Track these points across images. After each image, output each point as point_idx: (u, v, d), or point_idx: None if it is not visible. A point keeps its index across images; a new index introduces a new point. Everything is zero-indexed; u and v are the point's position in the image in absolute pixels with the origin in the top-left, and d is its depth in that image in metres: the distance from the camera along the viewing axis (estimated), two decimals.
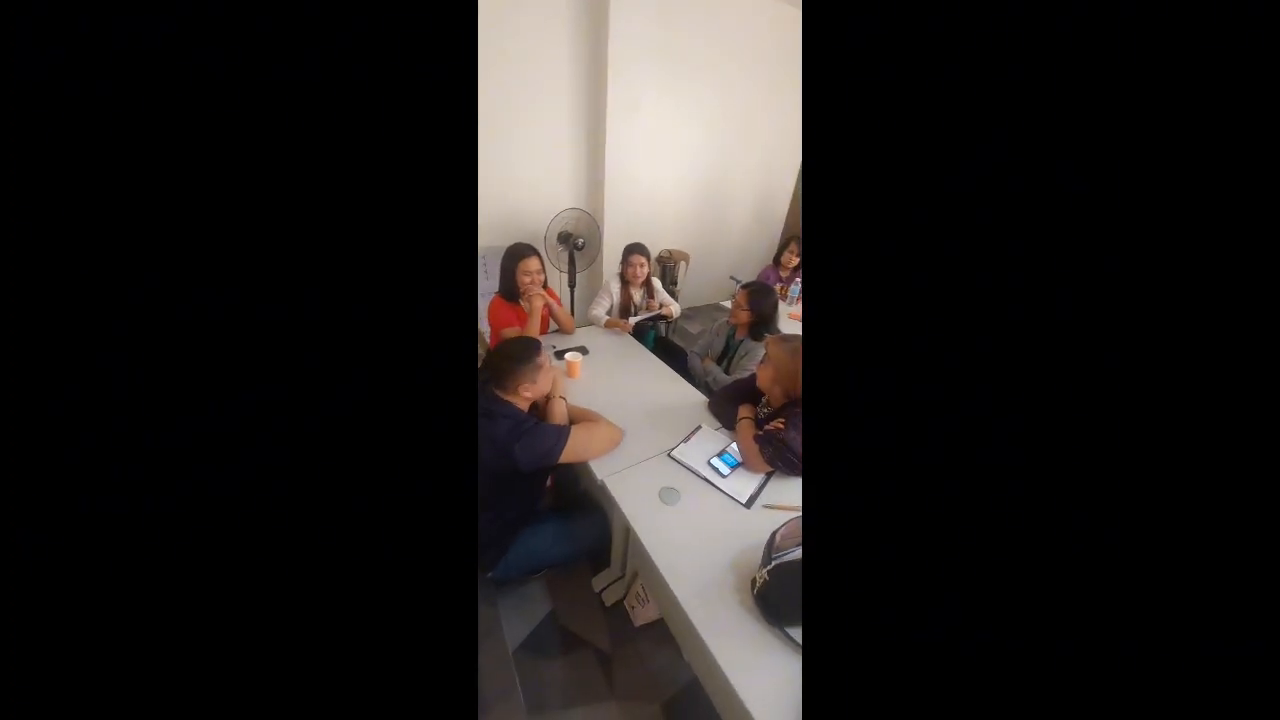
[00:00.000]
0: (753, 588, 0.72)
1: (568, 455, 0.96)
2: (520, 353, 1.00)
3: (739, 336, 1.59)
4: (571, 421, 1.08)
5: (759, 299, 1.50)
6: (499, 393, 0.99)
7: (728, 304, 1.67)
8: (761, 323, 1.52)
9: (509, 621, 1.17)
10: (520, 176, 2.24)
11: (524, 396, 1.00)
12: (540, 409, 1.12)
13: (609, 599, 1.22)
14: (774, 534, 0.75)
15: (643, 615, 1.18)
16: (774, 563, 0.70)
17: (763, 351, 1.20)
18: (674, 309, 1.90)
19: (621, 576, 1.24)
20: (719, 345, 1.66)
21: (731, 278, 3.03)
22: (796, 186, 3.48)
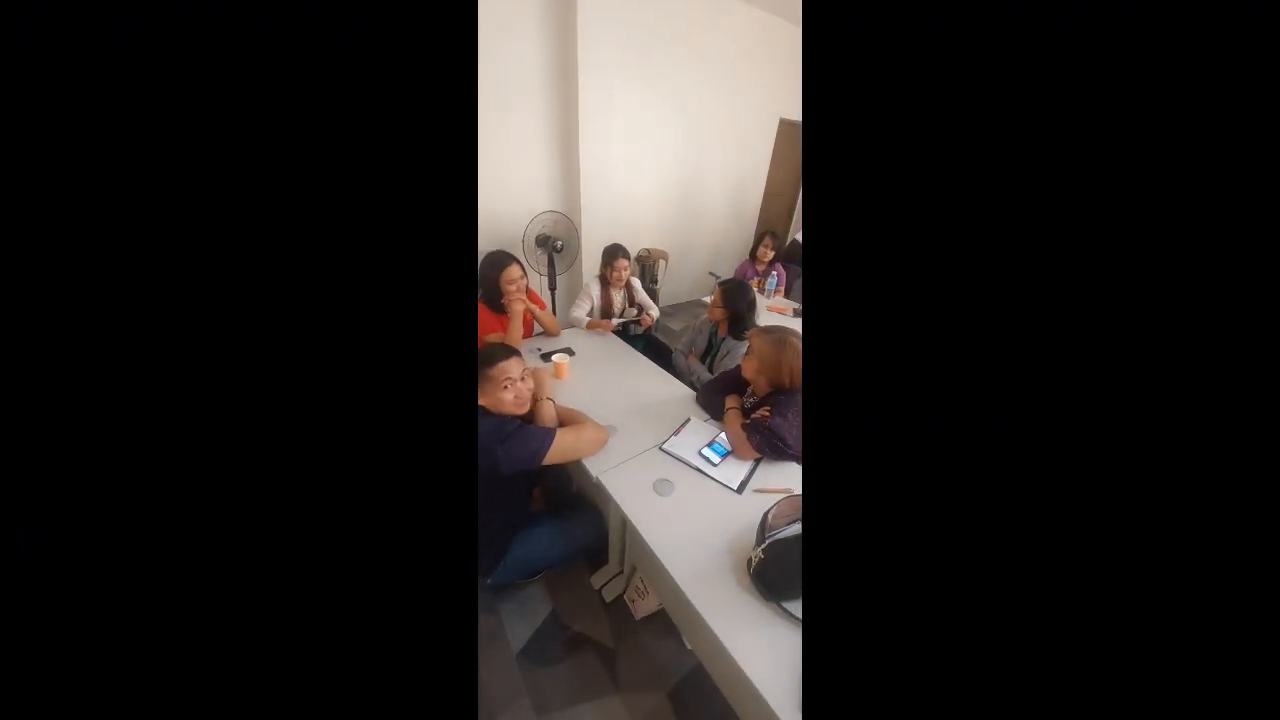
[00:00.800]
0: (749, 567, 0.75)
1: (553, 457, 0.96)
2: (485, 357, 0.98)
3: (720, 334, 1.62)
4: (560, 423, 1.09)
5: (733, 296, 1.54)
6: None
7: (708, 299, 1.70)
8: (738, 319, 1.55)
9: (511, 626, 1.17)
10: (494, 180, 2.23)
11: (491, 399, 0.98)
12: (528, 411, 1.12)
13: (609, 595, 1.23)
14: (766, 514, 0.79)
15: (643, 608, 1.20)
16: (768, 541, 0.73)
17: (745, 348, 1.23)
18: (652, 314, 1.91)
19: (620, 572, 1.26)
20: (702, 343, 1.69)
21: (710, 273, 3.08)
22: (766, 182, 3.57)
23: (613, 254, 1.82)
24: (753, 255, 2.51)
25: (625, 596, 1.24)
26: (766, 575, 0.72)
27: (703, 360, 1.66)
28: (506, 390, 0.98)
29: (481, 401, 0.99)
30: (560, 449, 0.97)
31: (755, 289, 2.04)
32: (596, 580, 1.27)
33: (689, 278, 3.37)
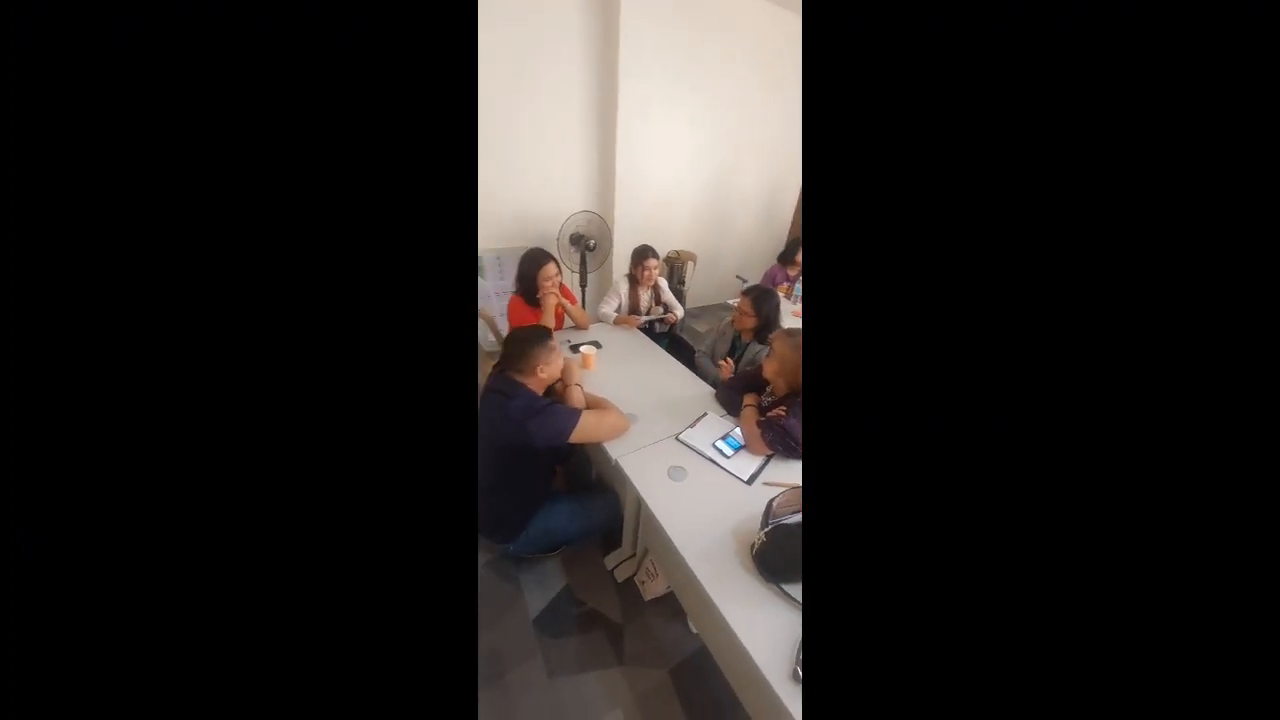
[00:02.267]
0: (752, 550, 0.80)
1: (578, 435, 1.04)
2: (534, 336, 1.10)
3: (745, 340, 1.64)
4: (588, 408, 1.17)
5: (763, 303, 1.56)
6: (514, 375, 1.08)
7: (734, 302, 1.74)
8: (767, 326, 1.58)
9: (529, 594, 1.26)
10: (535, 180, 2.35)
11: (539, 377, 1.09)
12: (558, 394, 1.21)
13: (620, 575, 1.30)
14: (771, 502, 0.83)
15: (652, 590, 1.26)
16: (770, 525, 0.78)
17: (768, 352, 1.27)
18: (677, 313, 1.99)
19: (633, 555, 1.32)
20: (724, 347, 1.73)
21: (738, 277, 3.11)
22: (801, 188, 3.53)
23: (642, 254, 1.90)
24: (785, 259, 2.52)
25: (635, 578, 1.30)
26: (767, 558, 0.77)
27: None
28: (555, 356, 1.13)
29: (542, 374, 1.09)
30: (584, 429, 1.05)
31: (783, 295, 2.06)
32: (610, 561, 1.34)
33: (716, 280, 3.40)
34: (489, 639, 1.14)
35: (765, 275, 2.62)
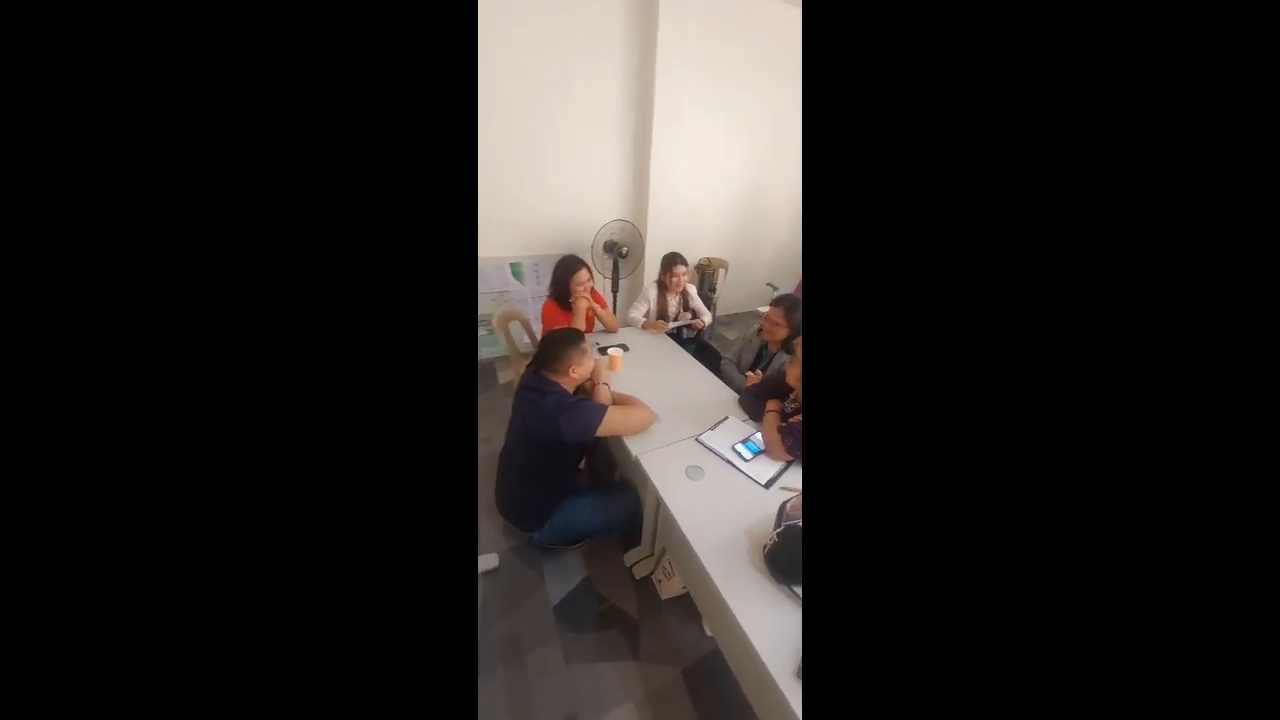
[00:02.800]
0: (764, 550, 0.81)
1: (605, 429, 1.10)
2: (567, 338, 1.17)
3: (772, 350, 1.64)
4: (614, 403, 1.23)
5: (794, 313, 1.55)
6: (547, 374, 1.16)
7: (765, 309, 1.74)
8: (796, 334, 1.57)
9: (551, 582, 1.32)
10: (571, 189, 2.46)
11: (571, 377, 1.16)
12: (586, 392, 1.27)
13: (639, 573, 1.33)
14: (783, 504, 0.84)
15: (668, 589, 1.28)
16: (783, 526, 0.79)
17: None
18: (705, 319, 2.01)
19: (651, 554, 1.35)
20: (749, 356, 1.73)
21: (769, 284, 3.08)
22: None
23: (671, 261, 1.94)
24: None
25: (653, 577, 1.33)
26: (778, 558, 0.78)
27: (753, 371, 1.69)
28: (587, 357, 1.19)
29: (573, 373, 1.16)
30: (611, 423, 1.11)
31: None
32: (629, 558, 1.37)
33: (747, 288, 3.38)
34: (510, 622, 1.20)
35: (798, 284, 2.58)
